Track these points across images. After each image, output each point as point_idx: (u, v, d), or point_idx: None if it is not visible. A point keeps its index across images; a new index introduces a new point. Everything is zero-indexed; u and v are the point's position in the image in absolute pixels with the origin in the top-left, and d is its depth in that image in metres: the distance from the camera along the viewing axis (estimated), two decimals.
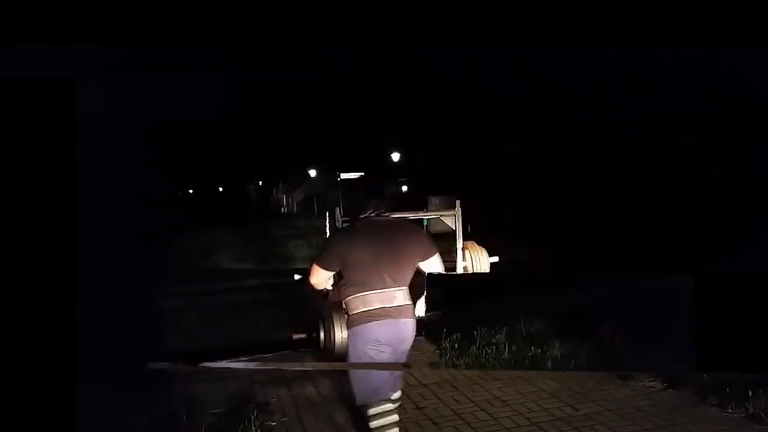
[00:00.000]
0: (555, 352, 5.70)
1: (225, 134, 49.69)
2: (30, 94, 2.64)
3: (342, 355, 5.75)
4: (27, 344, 2.38)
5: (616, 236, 17.70)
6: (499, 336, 6.16)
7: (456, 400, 5.02)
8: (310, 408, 4.96)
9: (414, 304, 3.91)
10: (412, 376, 5.57)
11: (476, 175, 31.79)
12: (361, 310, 3.78)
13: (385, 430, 3.83)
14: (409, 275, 3.84)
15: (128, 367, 5.90)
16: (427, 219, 6.59)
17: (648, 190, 24.64)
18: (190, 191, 75.24)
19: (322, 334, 5.71)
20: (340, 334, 5.67)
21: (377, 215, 3.92)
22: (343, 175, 33.11)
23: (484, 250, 6.50)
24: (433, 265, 3.93)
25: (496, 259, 6.56)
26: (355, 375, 3.97)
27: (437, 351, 6.20)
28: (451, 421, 4.61)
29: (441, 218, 6.50)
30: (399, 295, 3.76)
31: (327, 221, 6.14)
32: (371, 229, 3.85)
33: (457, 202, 6.36)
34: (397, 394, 4.02)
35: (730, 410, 4.46)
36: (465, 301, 8.03)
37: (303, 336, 5.87)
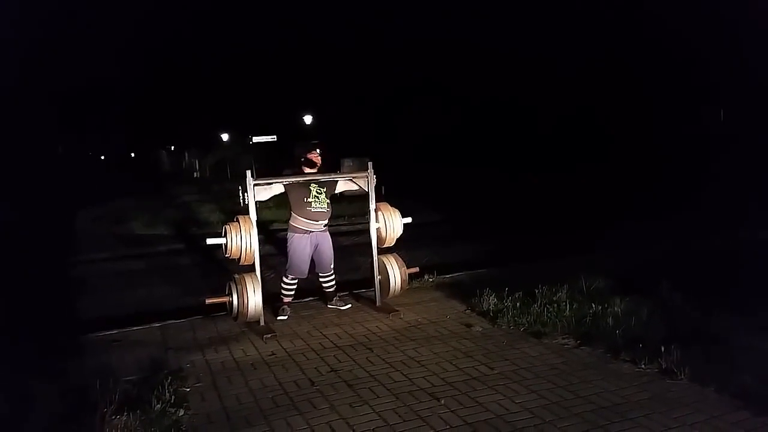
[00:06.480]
0: (616, 309, 5.59)
1: (135, 100, 48.02)
2: None
3: (255, 320, 5.78)
4: None
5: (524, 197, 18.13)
6: (560, 294, 6.09)
7: (371, 362, 4.94)
8: (225, 373, 4.86)
9: None
10: (327, 338, 5.62)
11: (391, 139, 31.90)
12: None
13: None
14: None
15: (37, 337, 5.77)
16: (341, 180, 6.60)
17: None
18: (102, 157, 73.28)
19: (235, 299, 5.70)
20: (254, 299, 5.68)
21: None
22: (256, 139, 32.64)
23: (396, 211, 6.54)
24: None
25: (408, 220, 6.62)
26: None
27: (467, 310, 6.26)
28: (367, 383, 4.51)
29: (354, 180, 6.51)
30: None
31: (240, 185, 6.05)
32: None
33: (370, 164, 6.36)
34: None
35: (642, 366, 4.47)
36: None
37: (218, 301, 5.86)
